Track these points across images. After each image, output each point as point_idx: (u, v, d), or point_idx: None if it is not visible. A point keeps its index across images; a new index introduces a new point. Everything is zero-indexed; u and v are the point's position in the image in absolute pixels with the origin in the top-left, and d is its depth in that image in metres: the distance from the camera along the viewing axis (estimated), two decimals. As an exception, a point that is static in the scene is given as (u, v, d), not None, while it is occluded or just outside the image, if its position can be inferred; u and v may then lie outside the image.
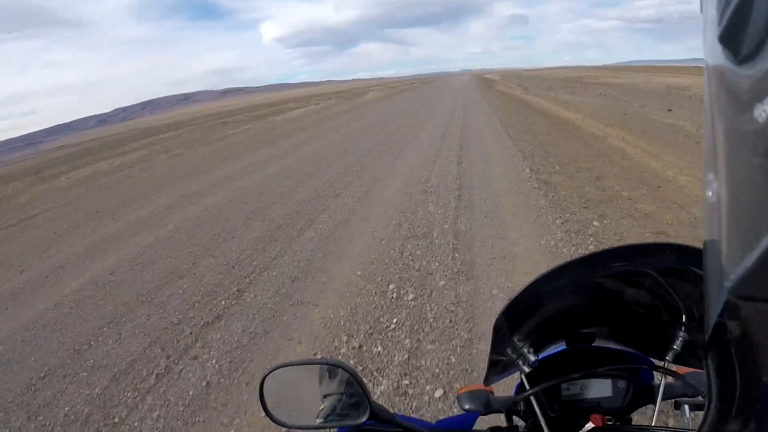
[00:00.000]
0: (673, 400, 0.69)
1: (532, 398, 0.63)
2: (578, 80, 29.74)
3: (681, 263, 0.50)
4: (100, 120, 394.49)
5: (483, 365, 1.52)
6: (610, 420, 0.63)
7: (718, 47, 0.18)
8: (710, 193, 0.20)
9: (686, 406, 0.68)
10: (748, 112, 0.16)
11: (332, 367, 0.56)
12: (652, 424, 0.59)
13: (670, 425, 1.05)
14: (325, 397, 0.57)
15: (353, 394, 0.54)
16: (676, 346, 0.60)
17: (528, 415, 0.68)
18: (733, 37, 0.17)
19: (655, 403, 0.62)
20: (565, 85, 24.99)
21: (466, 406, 0.67)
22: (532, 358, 0.62)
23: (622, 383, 0.67)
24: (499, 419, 0.71)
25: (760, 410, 0.19)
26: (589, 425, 0.58)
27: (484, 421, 0.69)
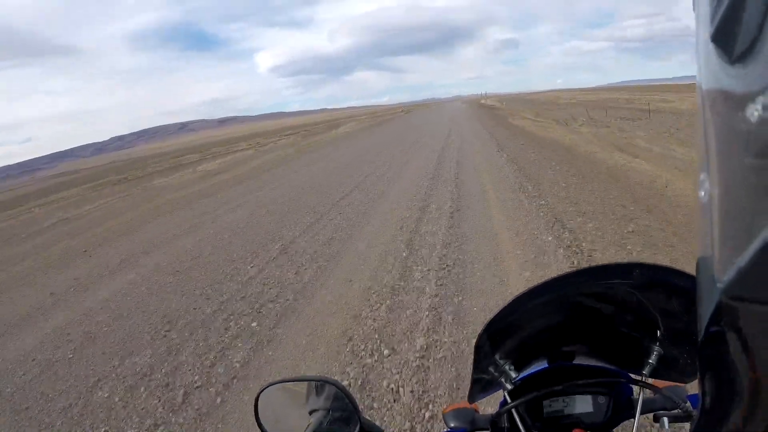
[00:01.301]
0: (653, 414, 0.69)
1: (515, 412, 0.64)
2: (600, 106, 20.93)
3: (654, 279, 0.51)
4: (97, 148, 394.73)
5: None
6: None
7: (711, 46, 0.18)
8: (703, 194, 0.20)
9: (665, 419, 0.68)
10: (741, 111, 0.15)
11: (323, 384, 0.58)
12: None
13: None
14: (313, 412, 0.58)
15: (343, 409, 0.56)
16: (652, 360, 0.61)
17: (512, 431, 0.68)
18: (725, 36, 0.17)
19: (634, 417, 0.64)
20: (602, 116, 16.08)
21: (452, 424, 0.70)
22: (514, 375, 0.64)
23: (602, 399, 0.68)
24: None
25: (753, 411, 0.19)
26: None
27: None
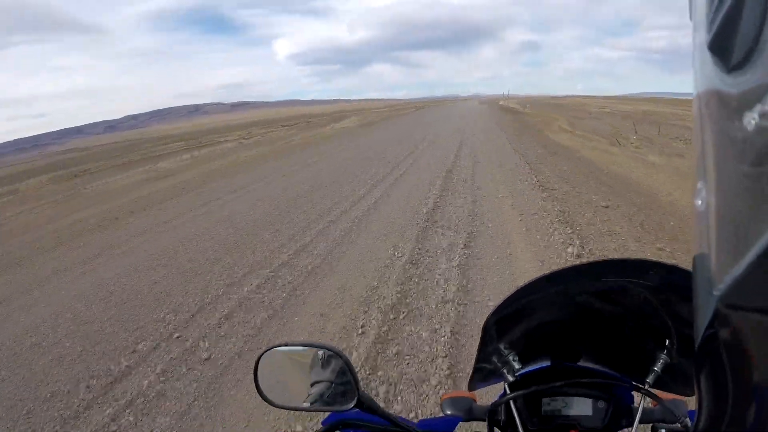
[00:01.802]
0: (651, 425, 0.69)
1: (512, 405, 0.64)
2: (645, 120, 17.13)
3: (670, 281, 0.50)
4: (110, 126, 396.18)
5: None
6: None
7: (708, 55, 0.18)
8: (699, 202, 0.20)
9: (663, 431, 0.67)
10: (737, 120, 0.15)
11: (326, 353, 0.56)
12: None
13: None
14: (315, 382, 0.57)
15: (343, 383, 0.55)
16: (657, 368, 0.60)
17: (508, 424, 0.69)
18: (722, 45, 0.17)
19: (632, 426, 0.63)
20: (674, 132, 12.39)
21: (449, 411, 0.70)
22: (517, 366, 0.63)
23: (602, 404, 0.67)
24: (480, 427, 0.73)
25: (749, 418, 0.19)
26: None
27: (464, 428, 0.71)
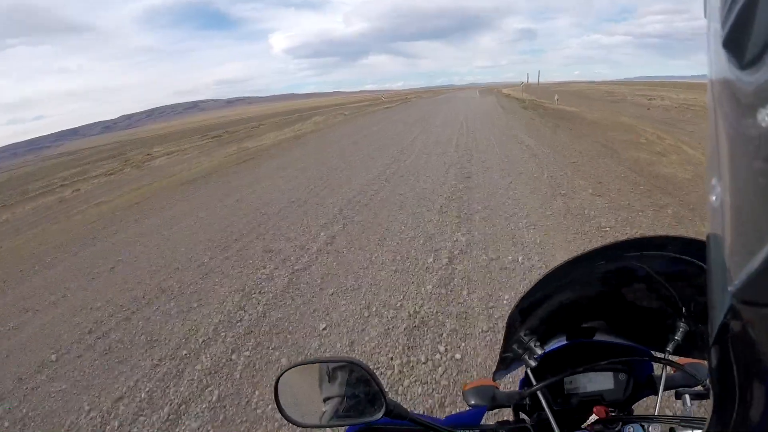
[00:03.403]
0: (674, 391, 0.69)
1: (539, 393, 0.64)
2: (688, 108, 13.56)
3: (683, 254, 0.51)
4: (106, 126, 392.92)
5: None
6: (613, 411, 0.63)
7: (722, 52, 0.18)
8: (714, 198, 0.20)
9: (687, 396, 0.67)
10: (752, 116, 0.15)
11: (346, 365, 0.56)
12: (655, 414, 0.60)
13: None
14: (338, 395, 0.56)
15: (368, 392, 0.55)
16: (678, 336, 0.61)
17: (533, 408, 0.69)
18: (736, 42, 0.17)
19: (656, 394, 0.64)
20: None
21: (472, 402, 0.70)
22: (539, 351, 0.63)
23: (623, 375, 0.68)
24: (504, 414, 0.73)
25: (765, 414, 0.19)
26: (593, 417, 0.60)
27: (490, 416, 0.70)
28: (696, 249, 0.50)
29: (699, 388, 0.66)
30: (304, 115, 32.90)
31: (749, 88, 0.16)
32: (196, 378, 2.34)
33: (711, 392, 0.23)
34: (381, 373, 2.17)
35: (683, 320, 0.60)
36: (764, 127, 0.15)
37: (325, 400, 0.56)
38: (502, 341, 0.63)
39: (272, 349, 2.53)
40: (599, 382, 0.67)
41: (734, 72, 0.17)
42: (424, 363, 2.23)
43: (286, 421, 0.55)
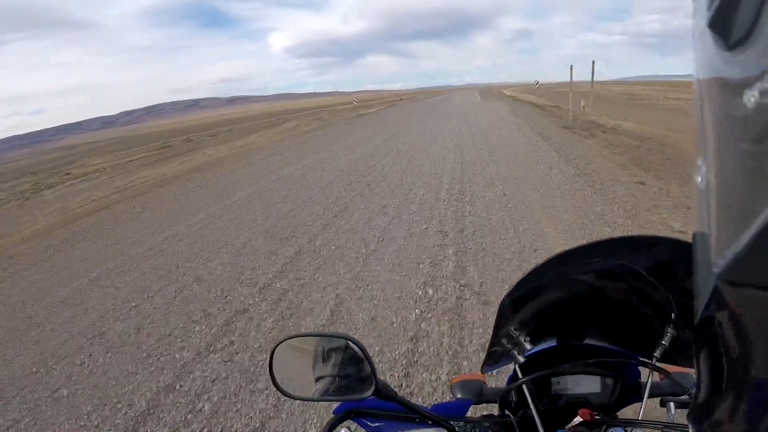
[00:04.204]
0: (659, 398, 0.69)
1: (525, 389, 0.64)
2: None
3: (674, 257, 0.51)
4: (106, 122, 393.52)
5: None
6: (597, 415, 0.63)
7: (708, 33, 0.17)
8: (700, 179, 0.20)
9: (672, 404, 0.66)
10: (738, 97, 0.15)
11: (340, 341, 0.56)
12: (639, 419, 0.61)
13: None
14: (331, 371, 0.57)
15: (359, 370, 0.55)
16: (665, 341, 0.60)
17: (519, 405, 0.69)
18: (722, 22, 0.16)
19: (641, 401, 0.63)
20: None
21: (459, 395, 0.70)
22: (528, 346, 0.64)
23: (610, 380, 0.68)
24: (490, 409, 0.74)
25: (747, 398, 0.19)
26: (578, 419, 0.60)
27: (476, 411, 0.70)
28: (687, 251, 0.43)
29: (684, 397, 0.65)
30: (282, 119, 29.64)
31: (735, 69, 0.16)
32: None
33: (696, 375, 0.24)
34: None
35: (671, 326, 0.60)
36: (750, 108, 0.15)
37: (318, 375, 0.57)
38: (492, 330, 0.62)
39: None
40: (586, 385, 0.67)
41: (720, 53, 0.17)
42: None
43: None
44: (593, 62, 10.66)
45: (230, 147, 13.57)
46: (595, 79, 11.42)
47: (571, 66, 10.90)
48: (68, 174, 13.98)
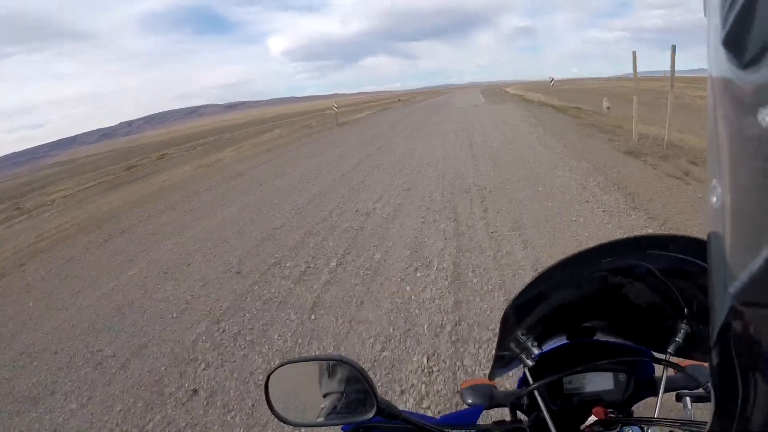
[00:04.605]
0: (675, 393, 0.68)
1: (536, 392, 0.63)
2: None
3: (685, 254, 0.50)
4: (105, 134, 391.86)
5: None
6: (612, 412, 0.62)
7: (722, 51, 0.17)
8: (714, 199, 0.19)
9: (688, 398, 0.66)
10: (752, 116, 0.15)
11: (336, 363, 0.55)
12: (655, 416, 0.59)
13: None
14: (328, 393, 0.56)
15: (359, 390, 0.54)
16: (678, 338, 0.60)
17: (531, 408, 0.68)
18: (736, 41, 0.16)
19: (656, 396, 0.62)
20: None
21: (469, 401, 0.69)
22: (536, 351, 0.62)
23: (623, 376, 0.67)
24: (502, 413, 0.72)
25: (764, 417, 0.19)
26: (592, 418, 0.59)
27: (487, 416, 0.70)
28: (699, 249, 0.48)
29: (700, 390, 0.64)
30: (267, 126, 27.72)
31: (749, 88, 0.16)
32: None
33: (712, 394, 0.23)
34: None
35: (684, 321, 0.59)
36: (764, 126, 0.15)
37: (316, 399, 0.56)
38: (497, 340, 0.60)
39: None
40: (599, 382, 0.66)
41: (734, 71, 0.16)
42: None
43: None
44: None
45: (194, 167, 11.56)
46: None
47: (634, 53, 6.89)
48: (18, 209, 11.72)
